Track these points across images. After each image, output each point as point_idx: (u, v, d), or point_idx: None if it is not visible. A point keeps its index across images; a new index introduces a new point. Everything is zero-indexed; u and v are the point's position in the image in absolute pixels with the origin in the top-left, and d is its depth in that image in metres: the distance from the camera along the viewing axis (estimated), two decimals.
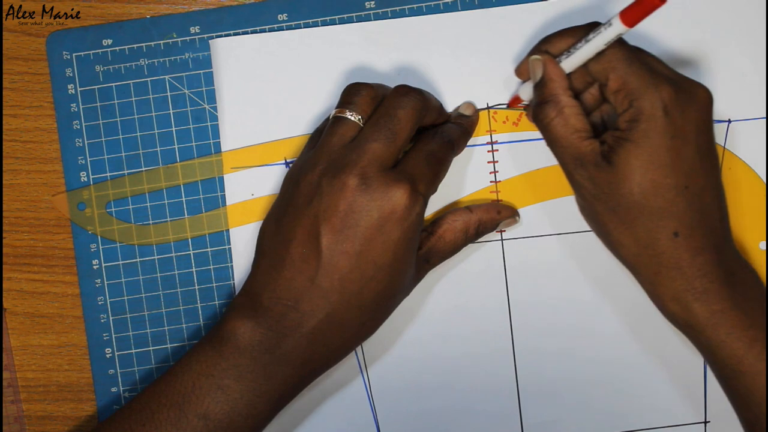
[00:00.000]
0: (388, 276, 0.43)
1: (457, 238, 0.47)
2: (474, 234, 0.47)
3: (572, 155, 0.43)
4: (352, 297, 0.43)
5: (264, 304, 0.43)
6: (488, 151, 0.49)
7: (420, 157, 0.44)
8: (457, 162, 0.48)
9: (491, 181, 0.49)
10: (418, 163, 0.44)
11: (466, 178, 0.49)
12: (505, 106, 0.49)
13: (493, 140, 0.49)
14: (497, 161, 0.49)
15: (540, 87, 0.44)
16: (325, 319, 0.43)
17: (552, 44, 0.45)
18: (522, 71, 0.47)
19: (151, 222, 0.50)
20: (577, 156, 0.43)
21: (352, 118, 0.44)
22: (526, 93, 0.47)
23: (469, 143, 0.49)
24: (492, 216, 0.48)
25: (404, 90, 0.45)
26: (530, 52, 0.45)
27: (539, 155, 0.49)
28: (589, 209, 0.44)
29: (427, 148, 0.45)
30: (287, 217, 0.44)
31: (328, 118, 0.46)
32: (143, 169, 0.50)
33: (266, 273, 0.44)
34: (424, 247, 0.46)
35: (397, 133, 0.43)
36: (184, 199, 0.50)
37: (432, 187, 0.45)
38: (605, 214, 0.43)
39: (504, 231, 0.49)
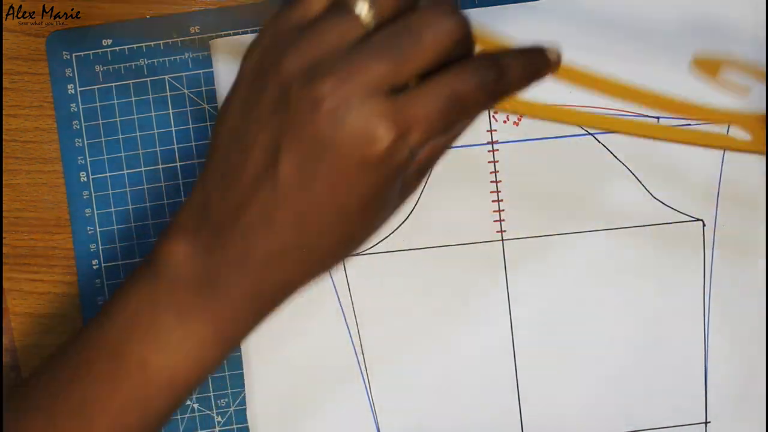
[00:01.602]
0: (351, 227, 0.36)
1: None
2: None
3: None
4: (310, 238, 0.35)
5: (208, 226, 0.36)
6: (488, 151, 0.49)
7: (436, 93, 0.33)
8: (456, 162, 0.48)
9: (492, 181, 0.49)
10: (428, 102, 0.32)
11: (466, 178, 0.49)
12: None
13: (494, 140, 0.49)
14: (497, 161, 0.49)
15: None
16: (276, 256, 0.35)
17: None
18: None
19: None
20: None
21: (362, 13, 0.33)
22: None
23: (467, 144, 0.49)
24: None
25: (445, 8, 0.33)
26: None
27: (541, 156, 0.49)
28: None
29: (453, 84, 0.33)
30: (247, 120, 0.35)
31: None
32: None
33: (215, 186, 0.36)
34: None
35: (410, 59, 0.32)
36: None
37: (432, 138, 0.34)
38: None
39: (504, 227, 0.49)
